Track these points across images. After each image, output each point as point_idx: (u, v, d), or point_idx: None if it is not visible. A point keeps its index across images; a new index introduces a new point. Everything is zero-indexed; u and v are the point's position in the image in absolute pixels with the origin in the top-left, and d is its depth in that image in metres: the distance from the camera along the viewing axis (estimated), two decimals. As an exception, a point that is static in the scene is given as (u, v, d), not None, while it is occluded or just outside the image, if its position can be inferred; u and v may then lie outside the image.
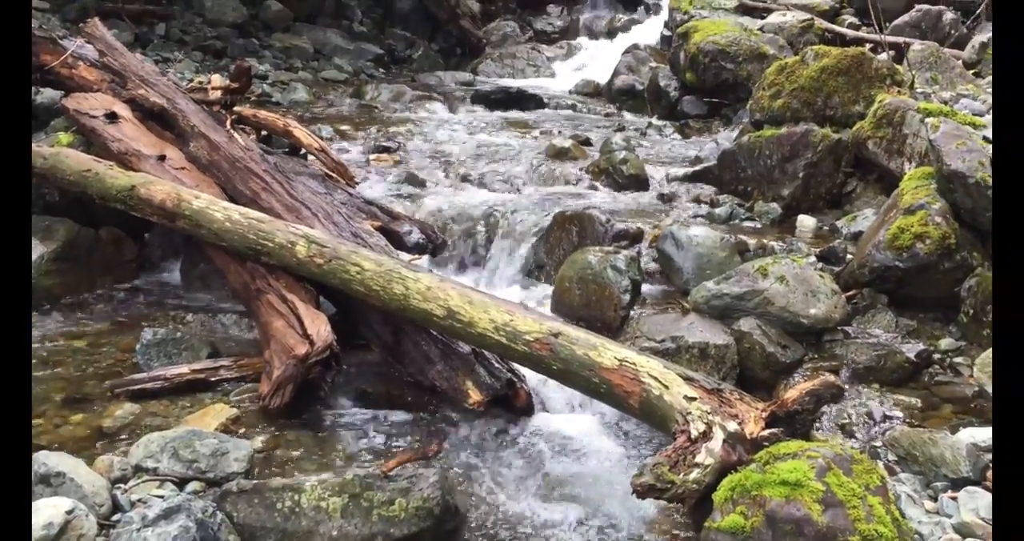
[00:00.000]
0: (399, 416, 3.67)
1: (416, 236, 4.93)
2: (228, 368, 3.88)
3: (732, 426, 2.79)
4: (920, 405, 3.55)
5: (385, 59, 11.07)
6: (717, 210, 5.37)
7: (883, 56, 5.93)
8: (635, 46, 10.23)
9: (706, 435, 2.75)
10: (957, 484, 2.94)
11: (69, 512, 2.61)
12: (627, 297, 4.22)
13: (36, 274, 4.54)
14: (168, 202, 4.32)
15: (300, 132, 5.64)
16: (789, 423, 2.97)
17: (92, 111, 5.18)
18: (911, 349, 3.82)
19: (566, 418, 3.76)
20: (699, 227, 4.73)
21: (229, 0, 10.36)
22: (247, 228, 4.11)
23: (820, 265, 4.41)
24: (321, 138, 6.32)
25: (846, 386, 3.55)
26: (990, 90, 5.18)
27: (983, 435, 3.10)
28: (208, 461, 3.09)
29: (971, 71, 5.73)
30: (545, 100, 9.09)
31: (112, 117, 5.13)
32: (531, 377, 3.75)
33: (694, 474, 2.64)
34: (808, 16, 8.29)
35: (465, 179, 6.12)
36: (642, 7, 12.53)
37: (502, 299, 3.72)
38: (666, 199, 5.71)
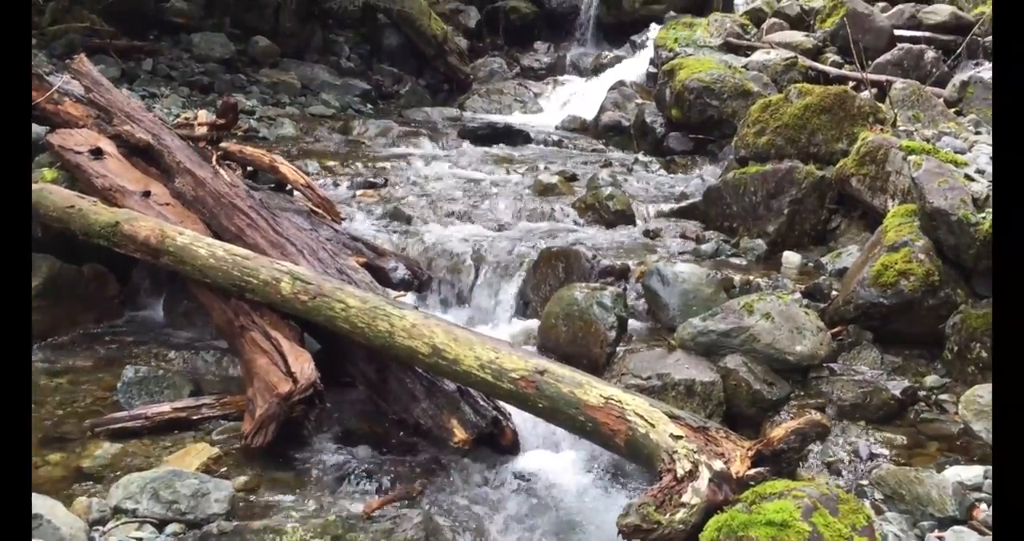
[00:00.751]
0: (383, 455, 3.63)
1: (402, 272, 4.93)
2: (210, 406, 3.84)
3: (718, 465, 2.78)
4: (906, 443, 3.54)
5: (372, 95, 11.12)
6: (703, 246, 5.39)
7: (866, 94, 6.00)
8: (621, 83, 10.31)
9: (692, 474, 2.74)
10: (944, 523, 2.93)
11: (45, 556, 2.56)
12: (613, 334, 4.21)
13: (17, 311, 4.50)
14: (152, 238, 4.30)
15: (286, 168, 5.65)
16: (775, 461, 2.95)
17: (77, 147, 5.17)
18: (896, 386, 3.82)
19: (551, 456, 3.73)
20: (685, 263, 4.74)
21: (217, 36, 10.41)
22: (231, 264, 4.09)
23: (805, 302, 4.41)
24: (307, 174, 6.32)
25: (832, 424, 3.54)
26: (971, 128, 5.24)
27: (969, 474, 3.09)
28: (188, 502, 3.05)
29: (952, 109, 5.80)
30: (532, 136, 9.14)
31: (97, 153, 5.12)
32: (516, 415, 3.72)
33: (680, 514, 2.62)
34: (792, 54, 8.38)
35: (451, 215, 6.12)
36: (628, 44, 12.63)
37: (487, 336, 3.71)
38: (652, 235, 5.72)
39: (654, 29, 11.57)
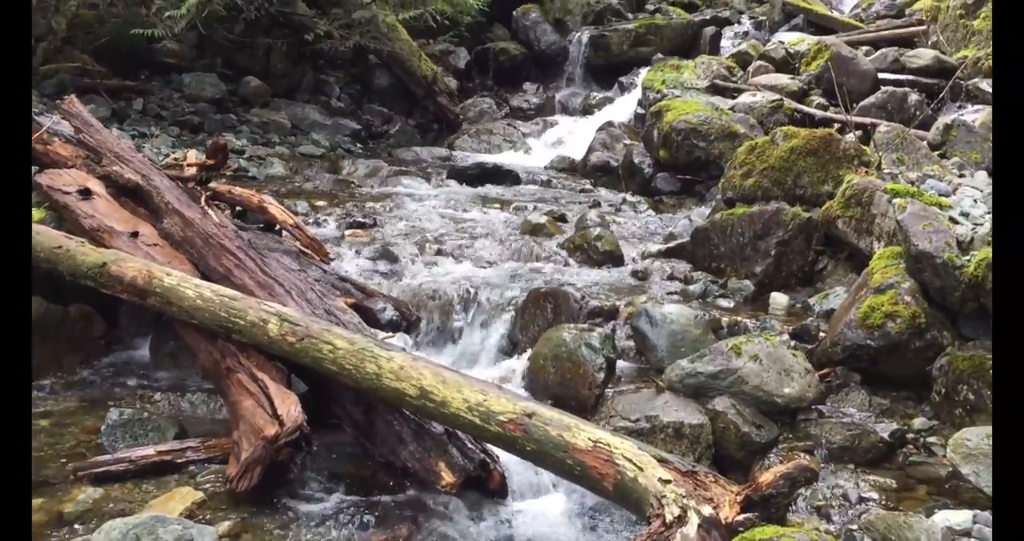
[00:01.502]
0: (370, 499, 3.59)
1: (390, 313, 4.92)
2: (195, 449, 3.80)
3: (707, 510, 2.76)
4: (895, 486, 3.53)
5: (362, 134, 11.16)
6: (691, 287, 5.40)
7: (850, 137, 6.07)
8: (609, 123, 10.40)
9: (681, 520, 2.72)
10: (934, 569, 2.91)
11: (23, 605, 2.51)
12: (602, 375, 4.21)
13: (2, 351, 4.46)
14: (139, 279, 4.29)
15: (275, 208, 5.66)
16: (764, 506, 2.93)
17: (65, 187, 5.17)
18: (885, 429, 3.83)
19: (540, 500, 3.70)
20: (673, 305, 4.75)
21: (208, 76, 10.46)
22: (219, 306, 4.08)
23: (793, 343, 4.43)
24: (296, 213, 6.34)
25: (821, 467, 3.53)
26: (955, 171, 5.30)
27: (958, 518, 3.08)
28: (171, 548, 3.00)
29: (936, 152, 5.86)
30: (521, 176, 9.18)
31: (86, 193, 5.12)
32: (505, 457, 3.70)
33: (669, 561, 2.59)
34: (777, 96, 8.48)
35: (440, 255, 6.13)
36: (616, 85, 12.76)
37: (475, 378, 3.70)
38: (640, 276, 5.74)
39: (642, 71, 11.71)
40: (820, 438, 3.82)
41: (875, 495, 3.47)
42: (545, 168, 9.96)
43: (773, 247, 5.42)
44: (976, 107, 7.39)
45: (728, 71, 10.07)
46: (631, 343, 4.68)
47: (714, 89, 9.51)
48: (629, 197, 8.20)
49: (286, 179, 8.40)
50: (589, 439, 3.10)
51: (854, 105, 7.73)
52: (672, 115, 8.13)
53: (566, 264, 6.07)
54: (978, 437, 3.33)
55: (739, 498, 2.89)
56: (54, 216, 5.17)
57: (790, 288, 5.34)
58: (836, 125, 7.42)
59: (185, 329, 4.29)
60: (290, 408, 3.62)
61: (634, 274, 5.78)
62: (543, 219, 6.83)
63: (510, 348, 5.04)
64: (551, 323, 4.86)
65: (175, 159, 6.22)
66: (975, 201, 4.49)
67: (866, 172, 5.33)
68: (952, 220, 4.21)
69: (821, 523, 3.34)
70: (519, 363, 4.82)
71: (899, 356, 4.05)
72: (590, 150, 9.81)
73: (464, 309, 5.24)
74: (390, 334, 4.84)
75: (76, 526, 3.27)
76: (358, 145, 10.79)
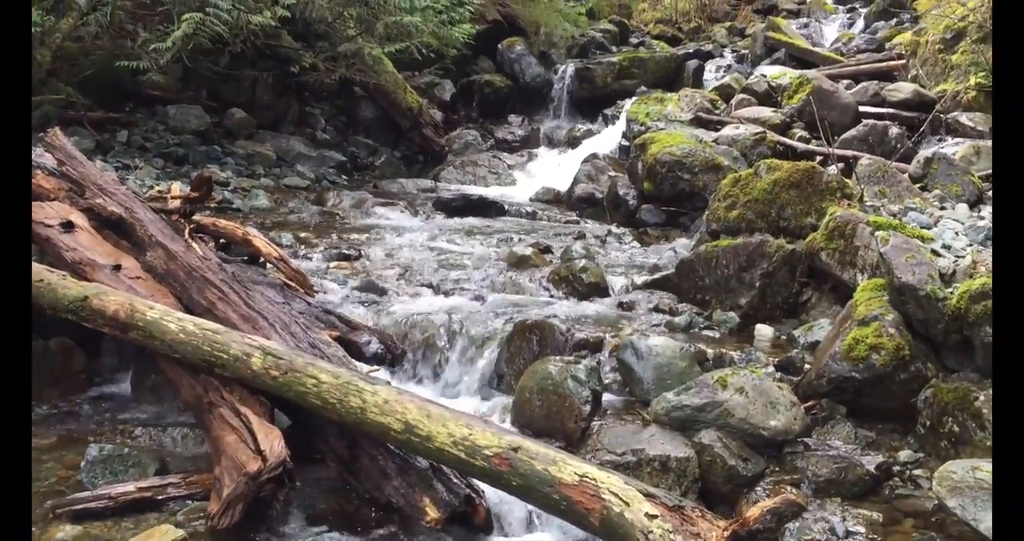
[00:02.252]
0: (353, 535, 3.54)
1: (375, 346, 4.89)
2: (176, 486, 3.74)
3: (694, 546, 2.74)
4: (881, 520, 3.51)
5: (348, 166, 11.19)
6: (676, 319, 5.41)
7: (833, 169, 6.12)
8: (594, 155, 10.48)
9: (668, 556, 2.69)
10: (923, 604, 2.89)
11: None
12: (588, 408, 4.19)
13: (-19, 386, 4.40)
14: (121, 313, 4.25)
15: (259, 241, 5.64)
16: (752, 541, 2.91)
17: (47, 220, 5.14)
18: (871, 461, 3.82)
19: (526, 536, 3.67)
20: (659, 337, 4.75)
21: (193, 108, 10.48)
22: (202, 339, 4.05)
23: (779, 375, 4.43)
24: (281, 245, 6.33)
25: (808, 501, 3.52)
26: (936, 203, 5.35)
27: (946, 553, 3.07)
28: (150, 588, 2.95)
29: (917, 185, 5.93)
30: (506, 207, 9.21)
31: (68, 226, 5.10)
32: (490, 492, 3.67)
33: (656, 598, 2.56)
34: (760, 129, 8.57)
35: (425, 287, 6.13)
36: (601, 118, 12.88)
37: (460, 412, 3.67)
38: (626, 307, 5.74)
39: (626, 103, 11.82)
40: (807, 471, 3.80)
41: (862, 529, 3.45)
42: (530, 200, 10.00)
43: (758, 279, 5.44)
44: (956, 140, 7.50)
45: (711, 104, 10.19)
46: (617, 375, 4.67)
47: (698, 121, 9.61)
48: (614, 229, 8.24)
49: (271, 211, 8.40)
50: (575, 473, 3.08)
51: (836, 138, 7.82)
52: (656, 147, 8.19)
53: (551, 296, 6.07)
54: (963, 470, 3.32)
55: (726, 533, 2.86)
56: (36, 249, 5.13)
57: (775, 320, 5.35)
58: (818, 158, 7.50)
59: (167, 363, 4.25)
60: (273, 443, 3.59)
61: (619, 306, 5.78)
62: (528, 251, 6.84)
63: (496, 381, 5.02)
64: (537, 355, 4.85)
65: (159, 192, 6.21)
66: (956, 233, 4.53)
67: (849, 205, 5.37)
68: (934, 252, 4.24)
69: (809, 558, 3.32)
70: (505, 396, 4.80)
71: (884, 388, 4.06)
72: (575, 182, 9.86)
73: (449, 342, 5.22)
74: (375, 368, 4.82)
75: (54, 565, 3.21)
76: (343, 177, 10.81)
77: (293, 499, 3.71)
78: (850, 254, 4.99)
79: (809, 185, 5.66)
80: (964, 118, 8.03)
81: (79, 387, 4.90)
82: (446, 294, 6.01)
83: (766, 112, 9.21)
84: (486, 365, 5.07)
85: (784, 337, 5.08)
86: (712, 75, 13.56)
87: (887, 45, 12.18)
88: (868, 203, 5.38)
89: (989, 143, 7.13)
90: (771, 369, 4.50)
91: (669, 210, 8.22)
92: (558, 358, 4.53)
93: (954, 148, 6.91)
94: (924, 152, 6.63)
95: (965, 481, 3.27)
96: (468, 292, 6.04)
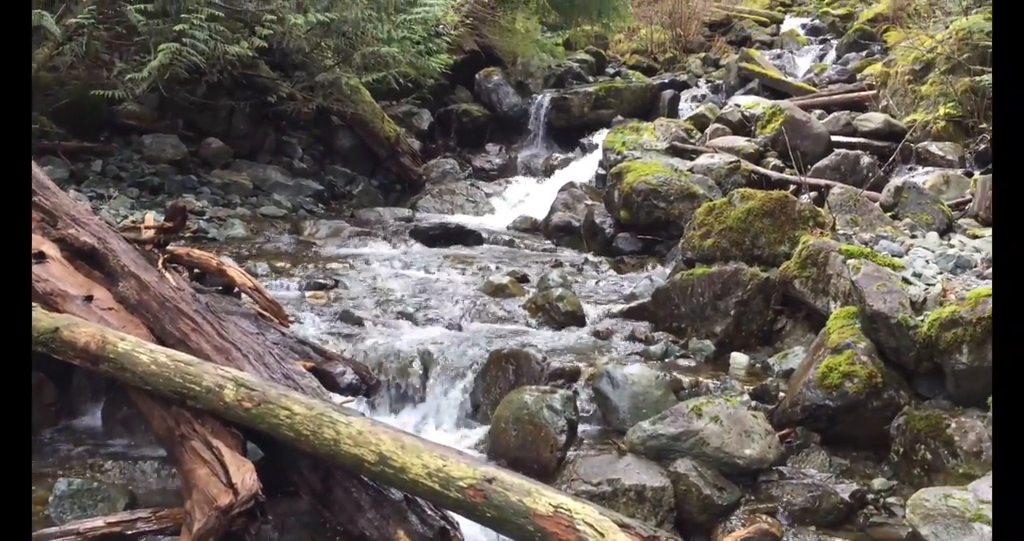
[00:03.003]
0: (326, 569, 3.51)
1: (350, 377, 4.86)
2: (146, 520, 3.68)
3: (669, 578, 2.73)
4: (857, 548, 3.52)
5: (325, 195, 11.16)
6: (652, 347, 5.42)
7: (805, 198, 6.19)
8: (571, 184, 10.52)
9: (642, 587, 2.68)
10: (898, 634, 2.89)
11: None
12: (563, 438, 4.18)
13: (-52, 420, 4.33)
14: (92, 344, 4.20)
15: (234, 271, 5.60)
16: (727, 572, 2.91)
17: (20, 250, 5.09)
18: (845, 489, 3.83)
19: (501, 569, 3.63)
20: (634, 365, 4.76)
21: (169, 138, 10.43)
22: (174, 371, 4.00)
23: (753, 403, 4.45)
24: (257, 275, 6.29)
25: (783, 530, 3.52)
26: (907, 232, 5.41)
27: (920, 581, 3.07)
28: (118, 625, 2.90)
29: (888, 213, 6.00)
30: (483, 236, 9.22)
31: (39, 257, 5.04)
32: (465, 524, 3.64)
33: (630, 631, 2.55)
34: (735, 158, 8.65)
35: (402, 316, 6.10)
36: (578, 147, 12.95)
37: (435, 443, 3.65)
38: (602, 336, 5.75)
39: (603, 132, 11.90)
40: (781, 499, 3.81)
41: (837, 558, 3.46)
42: (508, 228, 10.01)
43: (732, 307, 5.47)
44: (926, 169, 7.61)
45: (686, 133, 10.28)
46: (593, 405, 4.66)
47: (673, 150, 9.68)
48: (591, 257, 8.26)
49: (247, 240, 8.35)
50: (550, 504, 3.06)
51: (808, 167, 7.90)
52: (632, 176, 8.24)
53: (528, 325, 6.07)
54: (936, 497, 3.33)
55: (701, 564, 2.86)
56: (7, 280, 5.07)
57: (750, 348, 5.37)
58: (792, 186, 7.57)
59: (139, 395, 4.20)
60: (245, 476, 3.55)
61: (596, 334, 5.79)
62: (505, 280, 6.84)
63: (472, 410, 5.00)
64: (513, 385, 4.84)
65: (133, 221, 6.17)
66: (927, 261, 4.58)
67: (821, 233, 5.42)
68: (905, 280, 4.29)
69: (784, 588, 3.31)
70: (481, 426, 4.78)
71: (857, 416, 4.08)
72: (552, 210, 9.89)
73: (425, 371, 5.20)
74: (349, 398, 4.79)
75: (19, 603, 3.14)
76: (320, 206, 10.78)
77: (265, 533, 3.67)
78: (823, 282, 5.03)
79: (782, 214, 5.72)
80: (934, 147, 8.15)
81: (48, 421, 4.82)
82: (422, 323, 6.00)
83: (740, 141, 9.31)
84: (462, 395, 5.06)
85: (759, 365, 5.10)
86: (687, 105, 13.68)
87: (858, 76, 12.38)
88: (840, 232, 5.44)
89: (959, 172, 7.24)
90: (746, 397, 4.52)
91: (645, 238, 8.26)
92: (534, 387, 4.52)
93: (924, 177, 7.01)
94: (895, 181, 6.72)
95: (938, 509, 3.28)
96: (445, 321, 6.03)
